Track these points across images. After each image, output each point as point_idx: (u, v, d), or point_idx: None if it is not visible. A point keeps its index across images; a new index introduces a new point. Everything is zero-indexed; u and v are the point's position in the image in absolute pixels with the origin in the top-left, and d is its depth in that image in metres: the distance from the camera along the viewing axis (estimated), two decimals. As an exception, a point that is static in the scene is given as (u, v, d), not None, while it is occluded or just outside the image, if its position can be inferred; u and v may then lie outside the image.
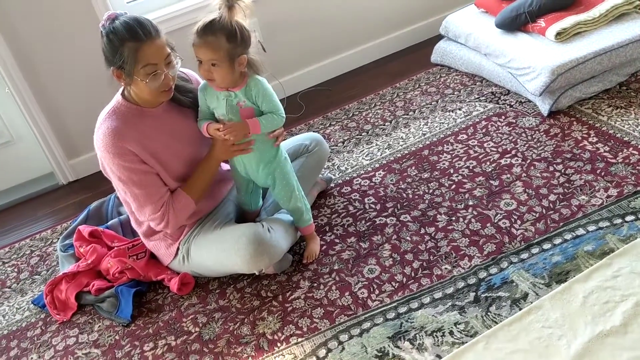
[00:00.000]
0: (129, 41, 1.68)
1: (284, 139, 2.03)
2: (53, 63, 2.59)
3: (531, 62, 2.40)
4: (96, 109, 1.89)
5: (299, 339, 1.74)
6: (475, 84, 2.77)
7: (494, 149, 2.31)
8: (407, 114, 2.69)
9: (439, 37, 3.04)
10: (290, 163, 2.02)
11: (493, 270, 1.80)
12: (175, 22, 2.63)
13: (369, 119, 2.74)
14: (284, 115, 1.87)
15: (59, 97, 2.67)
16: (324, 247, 2.06)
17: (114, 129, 1.77)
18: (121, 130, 1.78)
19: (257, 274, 1.94)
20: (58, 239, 2.39)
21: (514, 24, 2.58)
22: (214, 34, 1.69)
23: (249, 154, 1.90)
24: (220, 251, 1.89)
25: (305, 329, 1.77)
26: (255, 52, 1.81)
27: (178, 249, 1.99)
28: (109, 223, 2.29)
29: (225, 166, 2.13)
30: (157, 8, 2.76)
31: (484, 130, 2.43)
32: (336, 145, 2.61)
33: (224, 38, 1.70)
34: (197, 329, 1.87)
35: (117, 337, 1.91)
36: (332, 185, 2.36)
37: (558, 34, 2.43)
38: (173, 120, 1.90)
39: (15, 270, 2.32)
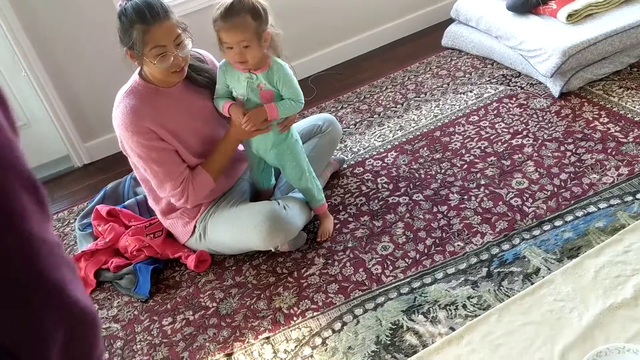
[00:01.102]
0: (138, 23, 1.70)
1: (296, 122, 2.06)
2: (69, 46, 2.62)
3: (542, 44, 2.41)
4: (112, 92, 1.93)
5: (315, 313, 1.78)
6: (486, 67, 2.79)
7: (506, 130, 2.33)
8: (419, 97, 2.72)
9: (450, 21, 3.05)
10: (301, 144, 2.05)
11: (505, 246, 1.83)
12: (191, 5, 2.66)
13: (380, 101, 2.77)
14: (303, 102, 1.91)
15: (75, 81, 2.71)
16: (338, 225, 2.10)
17: (132, 107, 1.81)
18: (139, 109, 1.82)
19: (273, 250, 1.98)
20: (75, 219, 2.43)
21: (525, 6, 2.60)
22: (239, 15, 1.71)
23: (263, 136, 1.93)
24: (237, 228, 1.93)
25: (320, 304, 1.81)
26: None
27: (195, 227, 2.03)
28: (126, 202, 2.33)
29: (240, 146, 2.17)
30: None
31: (495, 112, 2.45)
32: (348, 128, 2.64)
33: (249, 17, 1.72)
34: (215, 304, 1.91)
35: (135, 313, 1.96)
36: (345, 166, 2.39)
37: (569, 15, 2.44)
38: (189, 99, 1.93)
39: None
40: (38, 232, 0.56)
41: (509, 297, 1.66)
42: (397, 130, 2.52)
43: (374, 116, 2.67)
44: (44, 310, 0.56)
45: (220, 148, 1.96)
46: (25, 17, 2.51)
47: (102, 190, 2.45)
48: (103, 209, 2.24)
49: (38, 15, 2.52)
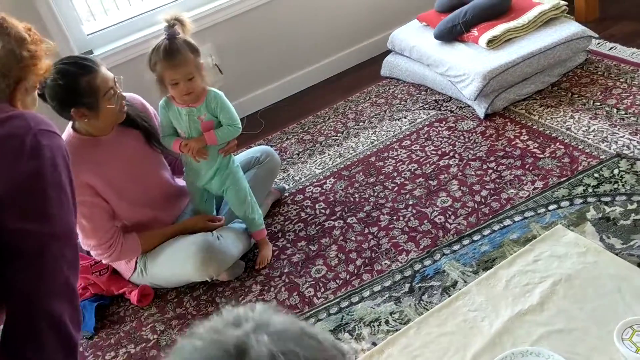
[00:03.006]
0: (84, 76, 1.80)
1: (236, 154, 2.18)
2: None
3: (466, 69, 2.56)
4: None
5: (249, 338, 1.85)
6: (420, 93, 2.93)
7: (434, 152, 2.46)
8: (358, 125, 2.84)
9: (388, 52, 3.20)
10: (242, 171, 2.17)
11: (427, 262, 1.93)
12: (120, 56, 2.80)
13: (322, 131, 2.89)
14: (240, 127, 2.05)
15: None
16: (276, 252, 2.19)
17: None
18: (77, 164, 1.89)
19: (209, 281, 2.06)
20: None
21: (451, 34, 2.75)
22: (180, 52, 1.85)
23: (203, 162, 2.04)
24: (173, 261, 2.02)
25: (255, 329, 1.88)
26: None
27: (136, 263, 2.10)
28: (74, 243, 2.40)
29: (181, 182, 2.26)
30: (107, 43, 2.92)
31: (426, 136, 2.58)
32: (292, 157, 2.75)
33: (188, 52, 1.88)
34: (155, 337, 1.98)
35: (80, 349, 2.02)
36: (287, 194, 2.50)
37: (489, 41, 2.59)
38: (125, 142, 2.02)
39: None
40: None
41: (427, 310, 1.76)
42: (337, 158, 2.64)
43: (316, 145, 2.79)
44: None
45: (165, 232, 2.08)
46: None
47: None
48: (50, 250, 2.31)
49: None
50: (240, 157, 2.36)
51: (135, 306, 2.13)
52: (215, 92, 1.99)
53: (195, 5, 3.05)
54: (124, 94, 2.09)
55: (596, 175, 2.05)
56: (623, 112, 2.33)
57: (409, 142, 2.58)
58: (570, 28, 2.61)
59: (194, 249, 1.96)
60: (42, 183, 1.25)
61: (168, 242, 2.06)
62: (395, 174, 2.40)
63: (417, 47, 2.90)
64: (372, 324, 1.78)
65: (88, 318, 2.08)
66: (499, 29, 2.62)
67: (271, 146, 2.88)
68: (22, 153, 1.23)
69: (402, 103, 2.90)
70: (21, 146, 1.24)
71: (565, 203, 1.98)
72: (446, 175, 2.30)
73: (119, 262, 2.14)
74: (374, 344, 1.70)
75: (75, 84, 1.78)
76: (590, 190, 2.00)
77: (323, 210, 2.33)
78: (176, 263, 2.00)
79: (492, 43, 2.60)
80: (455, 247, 1.95)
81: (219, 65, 3.10)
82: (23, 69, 1.33)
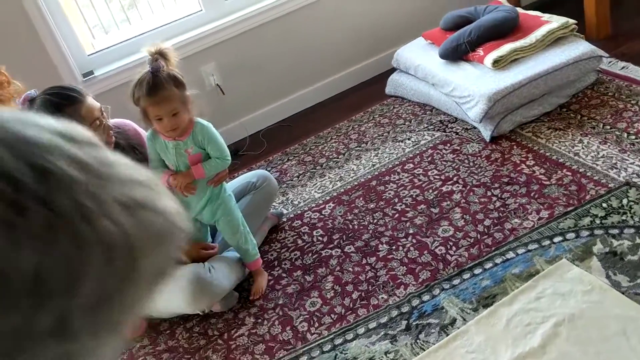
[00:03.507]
0: (68, 107, 1.75)
1: (228, 181, 2.12)
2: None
3: (470, 90, 2.48)
4: None
5: (239, 375, 1.79)
6: (425, 113, 2.85)
7: (437, 177, 2.38)
8: (360, 146, 2.77)
9: (393, 70, 3.13)
10: (235, 200, 2.11)
11: (426, 297, 1.85)
12: (122, 76, 2.76)
13: (324, 152, 2.82)
14: (229, 159, 1.98)
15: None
16: (271, 282, 2.13)
17: None
18: None
19: (201, 313, 2.00)
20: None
21: (456, 53, 2.67)
22: (164, 88, 1.79)
23: (197, 196, 1.98)
24: (164, 293, 1.95)
25: (246, 365, 1.82)
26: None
27: (129, 292, 2.05)
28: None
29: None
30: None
31: (429, 159, 2.50)
32: (292, 180, 2.69)
33: (172, 86, 1.81)
34: (145, 370, 1.93)
35: (70, 382, 1.97)
36: (284, 219, 2.43)
37: (495, 61, 2.51)
38: None
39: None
40: None
41: (424, 350, 1.68)
42: (337, 181, 2.57)
43: (317, 167, 2.72)
44: None
45: None
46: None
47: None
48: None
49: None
50: (236, 182, 2.30)
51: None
52: (202, 124, 1.93)
53: (197, 24, 3.02)
54: (117, 120, 2.05)
55: (604, 205, 1.96)
56: (634, 137, 2.23)
57: (412, 165, 2.50)
58: (580, 47, 2.52)
59: (185, 282, 1.91)
60: None
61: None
62: (396, 200, 2.33)
63: (422, 66, 2.83)
64: (366, 363, 1.70)
65: (78, 349, 2.04)
66: (505, 48, 2.54)
67: (272, 167, 2.83)
68: None
69: (406, 123, 2.83)
70: None
71: (571, 235, 1.89)
72: (449, 203, 2.22)
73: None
74: (367, 386, 1.63)
75: (59, 114, 1.73)
76: (597, 221, 1.91)
77: (321, 238, 2.27)
78: (167, 295, 1.94)
79: (498, 63, 2.52)
80: (456, 282, 1.87)
81: (220, 86, 3.07)
82: None
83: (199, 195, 1.99)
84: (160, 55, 1.84)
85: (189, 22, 3.02)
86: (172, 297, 1.94)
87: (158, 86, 1.79)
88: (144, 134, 2.14)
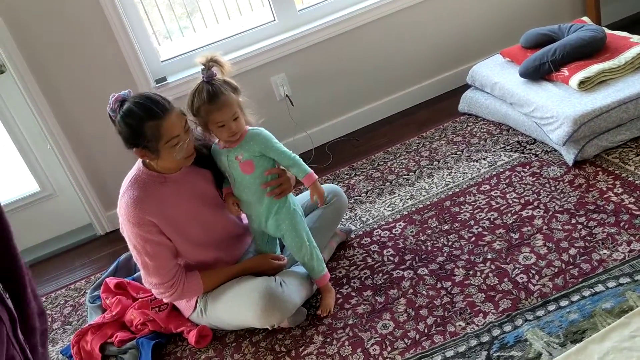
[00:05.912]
0: (150, 120, 1.74)
1: (296, 194, 2.09)
2: (92, 123, 2.75)
3: (554, 111, 2.37)
4: (130, 165, 1.98)
5: (308, 396, 1.73)
6: (501, 133, 2.75)
7: (516, 200, 2.27)
8: (432, 164, 2.69)
9: (467, 86, 3.04)
10: (302, 214, 2.06)
11: (507, 327, 1.75)
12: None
13: (393, 169, 2.76)
14: (293, 155, 1.94)
15: (97, 154, 2.82)
16: (340, 300, 2.07)
17: (135, 199, 1.84)
18: (143, 201, 1.84)
19: (269, 328, 1.96)
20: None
21: (538, 73, 2.57)
22: (223, 94, 1.80)
23: (258, 207, 1.96)
24: (235, 306, 1.92)
25: (315, 386, 1.76)
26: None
27: (197, 302, 2.03)
28: (136, 275, 2.37)
29: (244, 219, 2.18)
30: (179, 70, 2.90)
31: (507, 181, 2.40)
32: (359, 196, 2.63)
33: (230, 91, 1.82)
34: (211, 383, 1.89)
35: (135, 389, 1.95)
36: (352, 236, 2.37)
37: (581, 82, 2.40)
38: (192, 182, 1.96)
39: (49, 319, 2.42)
40: None
41: (507, 384, 1.58)
42: (408, 199, 2.49)
43: (386, 184, 2.65)
44: None
45: (228, 271, 2.00)
46: (51, 95, 2.65)
47: (116, 262, 2.50)
48: (112, 281, 2.28)
49: (62, 95, 2.67)
50: (305, 195, 2.25)
51: (192, 347, 2.05)
52: (254, 132, 1.91)
53: (269, 35, 3.01)
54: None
55: None
56: None
57: (488, 186, 2.41)
58: (674, 70, 2.37)
59: (256, 296, 1.87)
60: None
61: (229, 284, 1.98)
62: (472, 222, 2.23)
63: (499, 84, 2.73)
64: (443, 394, 1.62)
65: (145, 356, 2.02)
66: (593, 69, 2.42)
67: (339, 182, 2.78)
68: None
69: (481, 142, 2.73)
70: None
71: (668, 271, 1.76)
72: (529, 228, 2.11)
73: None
74: (445, 419, 1.54)
75: (139, 127, 1.74)
76: (698, 258, 1.77)
77: (391, 258, 2.19)
78: (237, 309, 1.91)
79: (585, 84, 2.40)
80: (540, 313, 1.76)
81: (290, 96, 3.04)
82: None
83: (257, 208, 1.97)
84: (214, 62, 1.83)
85: (261, 32, 3.02)
86: (242, 310, 1.90)
87: (217, 93, 1.80)
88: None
